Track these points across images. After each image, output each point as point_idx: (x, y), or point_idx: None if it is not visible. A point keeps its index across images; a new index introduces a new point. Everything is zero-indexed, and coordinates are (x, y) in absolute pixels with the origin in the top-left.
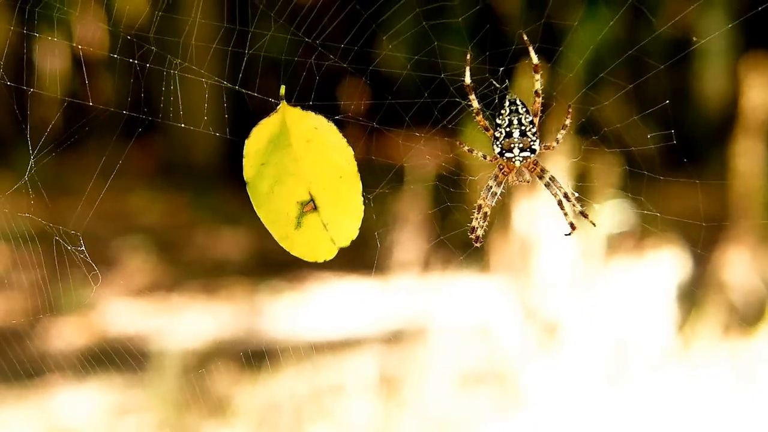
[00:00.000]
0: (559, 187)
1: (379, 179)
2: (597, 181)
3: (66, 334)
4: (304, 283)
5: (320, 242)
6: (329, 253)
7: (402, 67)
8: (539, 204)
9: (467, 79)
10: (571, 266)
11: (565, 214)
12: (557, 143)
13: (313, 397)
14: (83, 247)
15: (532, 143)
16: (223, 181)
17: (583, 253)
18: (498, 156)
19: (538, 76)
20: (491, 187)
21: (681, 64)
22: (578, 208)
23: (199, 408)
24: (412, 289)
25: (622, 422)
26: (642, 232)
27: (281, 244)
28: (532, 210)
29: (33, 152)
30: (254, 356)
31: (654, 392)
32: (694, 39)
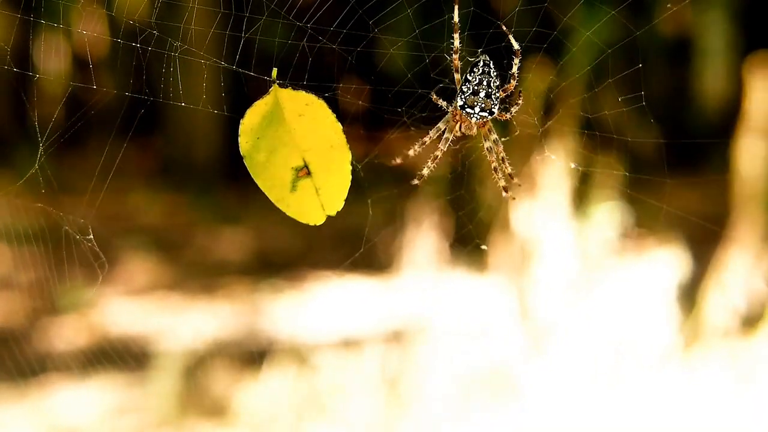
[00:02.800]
0: (499, 152)
1: (367, 151)
2: (597, 182)
3: (66, 334)
4: (304, 283)
5: (312, 206)
6: (319, 218)
7: (386, 50)
8: (538, 205)
9: (455, 17)
10: (570, 267)
11: (500, 179)
12: (510, 115)
13: (313, 397)
14: (91, 236)
15: (492, 106)
16: (223, 180)
17: (583, 253)
18: (459, 107)
19: (516, 61)
20: (442, 130)
21: (683, 64)
22: (509, 170)
23: (199, 408)
24: (413, 289)
25: (623, 422)
26: (641, 232)
27: (278, 206)
28: (531, 211)
29: (42, 140)
30: (254, 356)
31: (654, 392)
32: (668, 6)
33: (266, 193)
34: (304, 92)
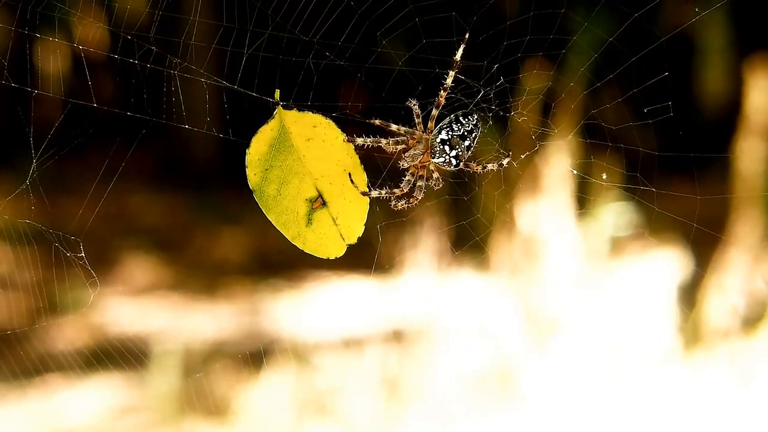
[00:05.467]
0: (414, 199)
1: (378, 172)
2: (600, 184)
3: (66, 334)
4: (304, 283)
5: (331, 238)
6: (339, 250)
7: (395, 64)
8: (542, 205)
9: (457, 56)
10: (572, 267)
11: (385, 197)
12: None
13: (313, 397)
14: (83, 254)
15: (460, 160)
16: (223, 181)
17: (585, 253)
18: (437, 140)
19: (505, 162)
20: (390, 143)
21: (683, 64)
22: (399, 205)
23: (200, 408)
24: (414, 289)
25: (624, 421)
26: (643, 233)
27: (294, 243)
28: (534, 211)
29: (35, 156)
30: (254, 356)
31: (655, 391)
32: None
33: (280, 230)
34: (310, 113)
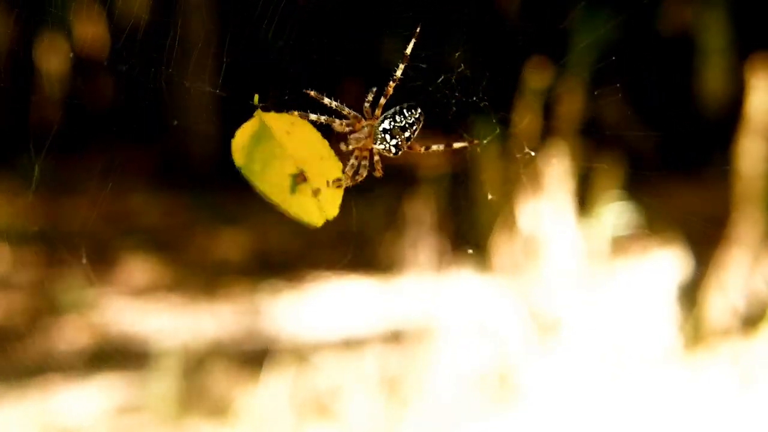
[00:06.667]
0: (357, 177)
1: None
2: (600, 183)
3: (67, 334)
4: (304, 283)
5: (313, 208)
6: (319, 219)
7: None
8: (542, 206)
9: (408, 50)
10: (573, 266)
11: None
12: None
13: (313, 397)
14: (84, 259)
15: (399, 149)
16: (223, 181)
17: (586, 253)
18: (380, 129)
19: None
20: (339, 124)
21: (683, 64)
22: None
23: (199, 408)
24: (414, 289)
25: (624, 421)
26: (643, 233)
27: (281, 208)
28: (535, 210)
29: (35, 156)
30: (254, 356)
31: (655, 392)
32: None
33: (268, 195)
34: (287, 114)
